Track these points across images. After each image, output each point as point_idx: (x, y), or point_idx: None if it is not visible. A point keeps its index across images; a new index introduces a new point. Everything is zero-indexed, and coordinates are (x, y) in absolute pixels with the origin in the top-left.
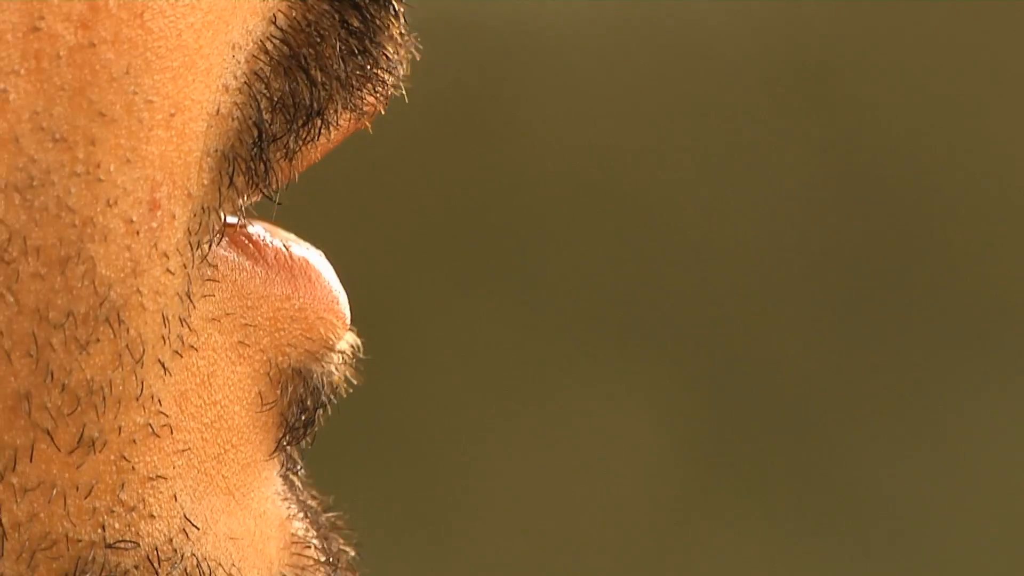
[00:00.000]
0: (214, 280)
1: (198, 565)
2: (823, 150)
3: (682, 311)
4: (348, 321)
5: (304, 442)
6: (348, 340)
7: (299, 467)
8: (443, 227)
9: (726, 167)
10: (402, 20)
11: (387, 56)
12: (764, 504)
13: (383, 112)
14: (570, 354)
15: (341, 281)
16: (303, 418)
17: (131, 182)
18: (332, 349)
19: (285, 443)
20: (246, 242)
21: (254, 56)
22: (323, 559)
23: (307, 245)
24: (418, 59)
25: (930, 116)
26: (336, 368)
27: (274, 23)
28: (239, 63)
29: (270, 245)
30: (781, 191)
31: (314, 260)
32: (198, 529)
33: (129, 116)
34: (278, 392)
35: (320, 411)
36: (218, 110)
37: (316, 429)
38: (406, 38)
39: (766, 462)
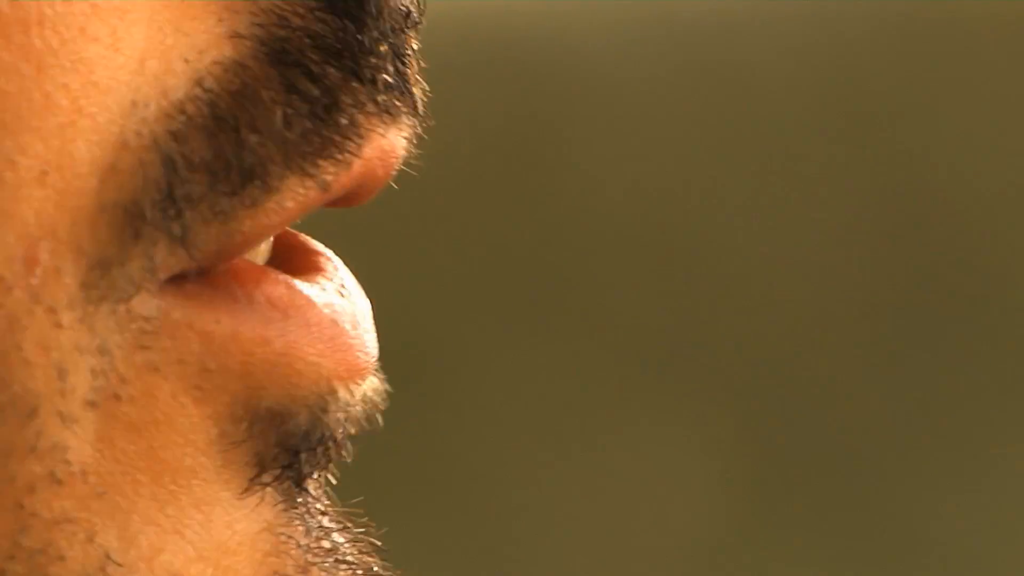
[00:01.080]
0: (155, 332)
1: None
2: (875, 191)
3: (731, 349)
4: (362, 368)
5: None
6: (365, 386)
7: (313, 502)
8: (491, 265)
9: (776, 207)
10: (389, 94)
11: (354, 125)
12: (812, 543)
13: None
14: (618, 392)
15: (385, 319)
16: (283, 459)
17: None
18: (327, 396)
19: (265, 482)
20: (229, 289)
21: (168, 116)
22: None
23: (339, 285)
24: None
25: (985, 161)
26: (338, 414)
27: (200, 85)
28: (145, 120)
29: (268, 288)
30: (832, 232)
31: (322, 303)
32: (123, 567)
33: None
34: (245, 430)
35: (306, 454)
36: (115, 166)
37: (317, 467)
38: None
39: (815, 501)
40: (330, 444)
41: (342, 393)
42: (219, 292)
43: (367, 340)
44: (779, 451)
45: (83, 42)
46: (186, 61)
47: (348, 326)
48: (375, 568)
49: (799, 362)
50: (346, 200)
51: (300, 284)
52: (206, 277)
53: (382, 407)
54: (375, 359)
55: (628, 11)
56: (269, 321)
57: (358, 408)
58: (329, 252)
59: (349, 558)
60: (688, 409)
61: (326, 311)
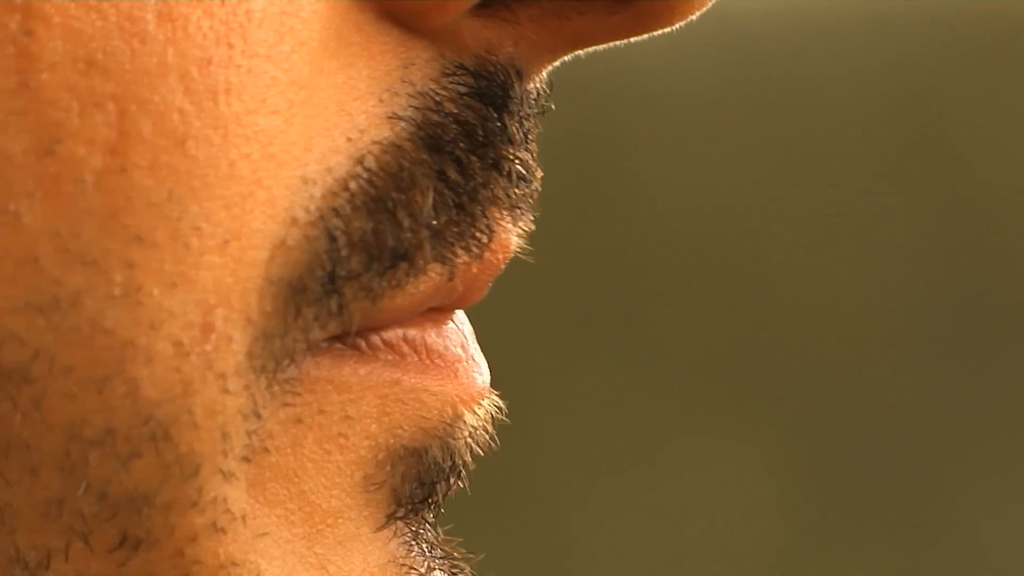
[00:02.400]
0: (295, 392)
1: None
2: (936, 213)
3: (790, 366)
4: (480, 390)
5: (431, 511)
6: (484, 407)
7: (428, 532)
8: (554, 281)
9: (838, 227)
10: (517, 184)
11: (487, 217)
12: (873, 561)
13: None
14: (680, 409)
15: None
16: (420, 493)
17: (179, 305)
18: (454, 423)
19: (398, 517)
20: (352, 342)
21: (333, 193)
22: None
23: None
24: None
25: None
26: (466, 438)
27: (361, 163)
28: (312, 197)
29: (381, 334)
30: (892, 250)
31: (433, 338)
32: None
33: (174, 242)
34: (387, 472)
35: (442, 484)
36: (284, 241)
37: (441, 498)
38: (518, 200)
39: (876, 518)
40: (460, 469)
41: (468, 417)
42: (348, 347)
43: (481, 362)
44: (839, 467)
45: (264, 113)
46: (349, 139)
47: (461, 351)
48: None
49: (859, 379)
50: (459, 301)
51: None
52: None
53: (501, 424)
54: (488, 378)
55: (689, 28)
56: (395, 363)
57: (481, 430)
58: None
59: None
60: (747, 424)
61: (439, 341)
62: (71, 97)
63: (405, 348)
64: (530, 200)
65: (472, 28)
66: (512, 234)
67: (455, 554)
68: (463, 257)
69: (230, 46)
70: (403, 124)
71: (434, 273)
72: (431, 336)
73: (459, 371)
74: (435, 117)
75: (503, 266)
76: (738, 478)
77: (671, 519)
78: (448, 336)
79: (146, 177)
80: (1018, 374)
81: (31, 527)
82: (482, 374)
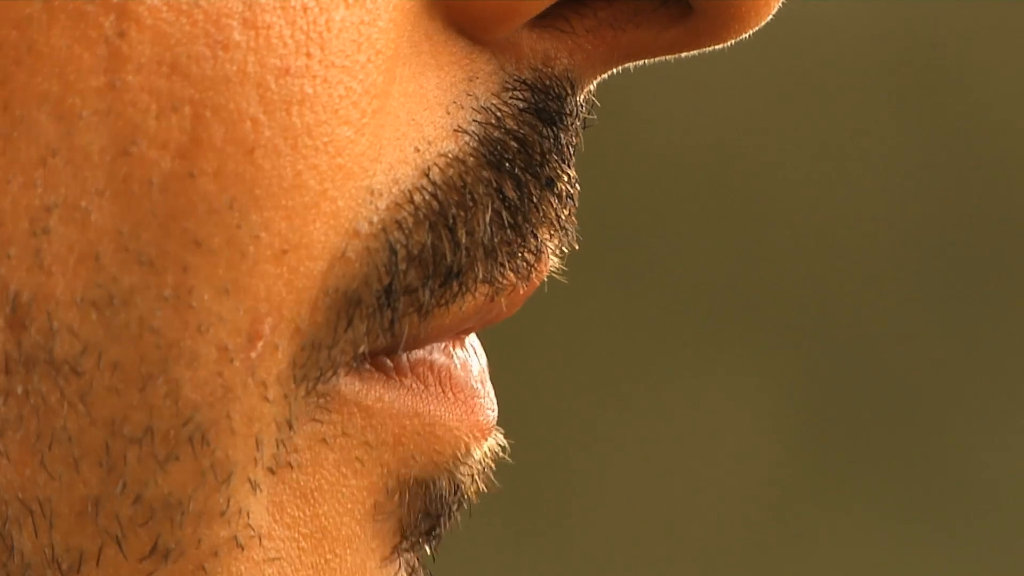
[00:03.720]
0: (327, 408)
1: None
2: (936, 140)
3: (793, 300)
4: (490, 426)
5: (432, 544)
6: (487, 446)
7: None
8: None
9: (838, 157)
10: (565, 204)
11: (536, 238)
12: (875, 493)
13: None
14: (681, 344)
15: None
16: (425, 524)
17: (228, 311)
18: (464, 458)
19: (402, 549)
20: (380, 361)
21: (398, 205)
22: None
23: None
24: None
25: None
26: (470, 474)
27: (427, 175)
28: (377, 209)
29: (408, 357)
30: (895, 182)
31: (460, 363)
32: None
33: (230, 248)
34: (396, 502)
35: (446, 517)
36: (344, 253)
37: (444, 531)
38: (566, 222)
39: (877, 451)
40: (463, 502)
41: (476, 452)
42: (378, 368)
43: (492, 397)
44: (838, 396)
45: (335, 124)
46: (416, 150)
47: (479, 385)
48: None
49: (858, 306)
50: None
51: (440, 344)
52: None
53: (503, 461)
54: (496, 414)
55: None
56: (416, 393)
57: (485, 464)
58: None
59: None
60: (746, 354)
61: (462, 374)
62: (151, 100)
63: (430, 378)
64: (573, 219)
65: (530, 39)
66: (552, 252)
67: None
68: (511, 277)
69: (308, 56)
70: (467, 138)
71: (481, 294)
72: (455, 368)
73: (475, 407)
74: (496, 133)
75: (538, 284)
76: (736, 407)
77: (669, 448)
78: (470, 369)
79: (211, 183)
80: (1019, 302)
81: (68, 526)
82: (493, 410)
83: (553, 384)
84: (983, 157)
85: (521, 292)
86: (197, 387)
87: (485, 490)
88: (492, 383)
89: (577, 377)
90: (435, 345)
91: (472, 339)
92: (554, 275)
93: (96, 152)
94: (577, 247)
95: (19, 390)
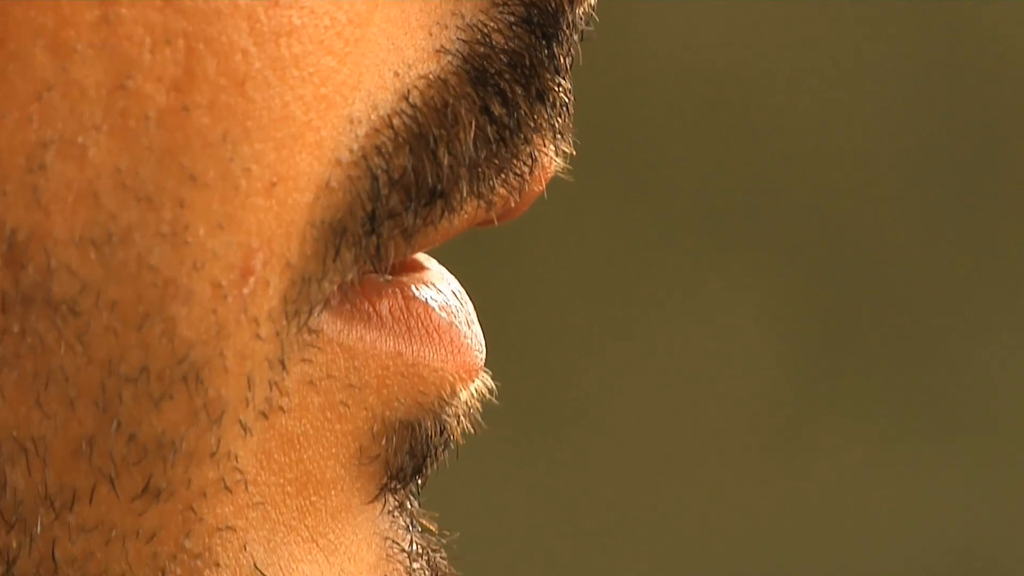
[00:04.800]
0: (315, 346)
1: None
2: (937, 49)
3: (795, 212)
4: (477, 367)
5: (418, 484)
6: (475, 387)
7: (412, 504)
8: None
9: (840, 67)
10: (560, 112)
11: (529, 147)
12: (876, 397)
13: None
14: (682, 257)
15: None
16: (411, 466)
17: (222, 247)
18: (448, 401)
19: (389, 489)
20: (360, 304)
21: (376, 131)
22: None
23: (445, 283)
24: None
25: None
26: (457, 415)
27: (407, 99)
28: (357, 137)
29: (388, 301)
30: (896, 91)
31: (439, 307)
32: None
33: (224, 182)
34: (382, 445)
35: (432, 458)
36: (328, 183)
37: (430, 472)
38: (562, 128)
39: (879, 362)
40: (449, 443)
41: (462, 393)
42: (356, 309)
43: (480, 338)
44: (838, 306)
45: (320, 54)
46: (396, 74)
47: (464, 326)
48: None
49: (859, 222)
50: (496, 220)
51: (418, 290)
52: (344, 294)
53: (490, 402)
54: (484, 356)
55: None
56: (398, 334)
57: (472, 405)
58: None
59: (434, 563)
60: (746, 269)
61: (443, 315)
62: (145, 33)
63: (412, 321)
64: (570, 125)
65: None
66: (553, 156)
67: (425, 524)
68: (502, 191)
69: None
70: (450, 58)
71: (470, 208)
72: (436, 311)
73: (461, 348)
74: (482, 49)
75: (543, 189)
76: (738, 320)
77: (671, 361)
78: (453, 312)
79: (204, 116)
80: (1021, 212)
81: (62, 464)
82: (480, 351)
83: (554, 298)
84: (984, 68)
85: (513, 205)
86: (192, 325)
87: (472, 431)
88: (491, 298)
89: (578, 291)
90: (415, 289)
91: (455, 285)
92: (559, 188)
93: (92, 86)
94: (577, 161)
95: (15, 329)
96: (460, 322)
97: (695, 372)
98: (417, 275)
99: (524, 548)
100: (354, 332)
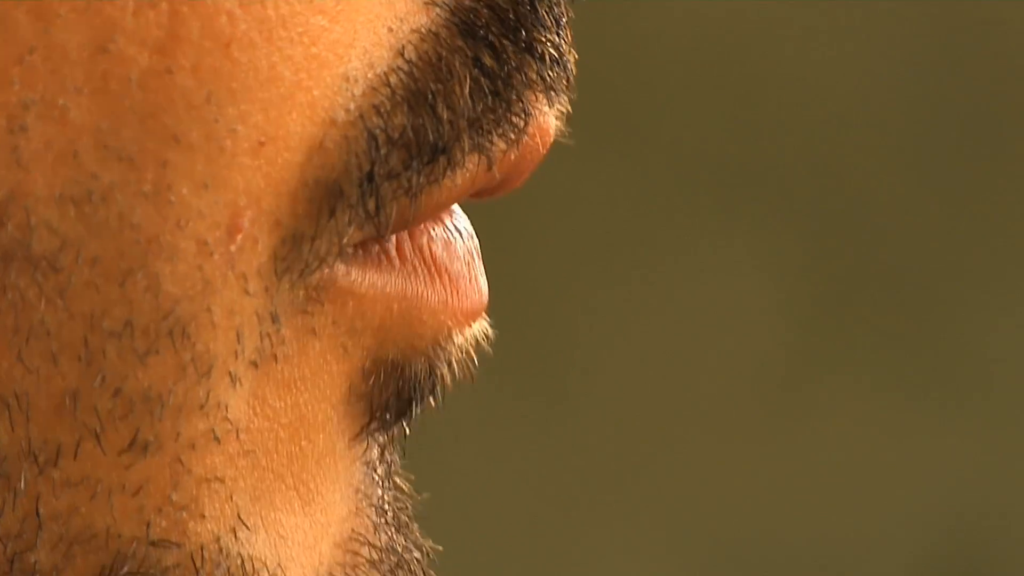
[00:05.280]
0: (319, 301)
1: (242, 565)
2: (943, 14)
3: (798, 174)
4: (476, 310)
5: (395, 430)
6: (473, 332)
7: (391, 455)
8: None
9: (846, 32)
10: (551, 67)
11: (522, 101)
12: (874, 359)
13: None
14: (685, 218)
15: None
16: (396, 406)
17: (208, 205)
18: (445, 344)
19: (371, 430)
20: (371, 247)
21: (373, 89)
22: (377, 558)
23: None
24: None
25: None
26: (449, 360)
27: (402, 55)
28: (353, 96)
29: (399, 240)
30: (896, 53)
31: (441, 252)
32: (248, 529)
33: (208, 143)
34: (370, 384)
35: (418, 401)
36: (322, 143)
37: (414, 415)
38: (554, 82)
39: (876, 320)
40: (438, 387)
41: (457, 338)
42: (369, 254)
43: (481, 282)
44: (839, 272)
45: (310, 14)
46: (390, 30)
47: (466, 268)
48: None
49: (862, 182)
50: (500, 186)
51: (423, 224)
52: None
53: (487, 348)
54: (486, 299)
55: None
56: (406, 276)
57: (467, 350)
58: None
59: (401, 520)
60: (747, 230)
61: (445, 253)
62: None
63: (418, 263)
64: (565, 82)
65: None
66: (551, 116)
67: (397, 482)
68: (500, 145)
69: None
70: (438, 10)
71: (472, 164)
72: (440, 252)
73: (460, 291)
74: (467, 2)
75: (545, 151)
76: (741, 281)
77: (670, 319)
78: (456, 252)
79: (188, 78)
80: (1020, 175)
81: (45, 419)
82: (480, 295)
83: (555, 253)
84: (989, 34)
85: (513, 158)
86: (177, 281)
87: (467, 376)
88: (492, 252)
89: (579, 246)
90: (427, 228)
91: (463, 222)
92: (559, 149)
93: (74, 49)
94: (579, 117)
95: None
96: (463, 263)
97: (696, 327)
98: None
99: (519, 501)
100: (367, 279)
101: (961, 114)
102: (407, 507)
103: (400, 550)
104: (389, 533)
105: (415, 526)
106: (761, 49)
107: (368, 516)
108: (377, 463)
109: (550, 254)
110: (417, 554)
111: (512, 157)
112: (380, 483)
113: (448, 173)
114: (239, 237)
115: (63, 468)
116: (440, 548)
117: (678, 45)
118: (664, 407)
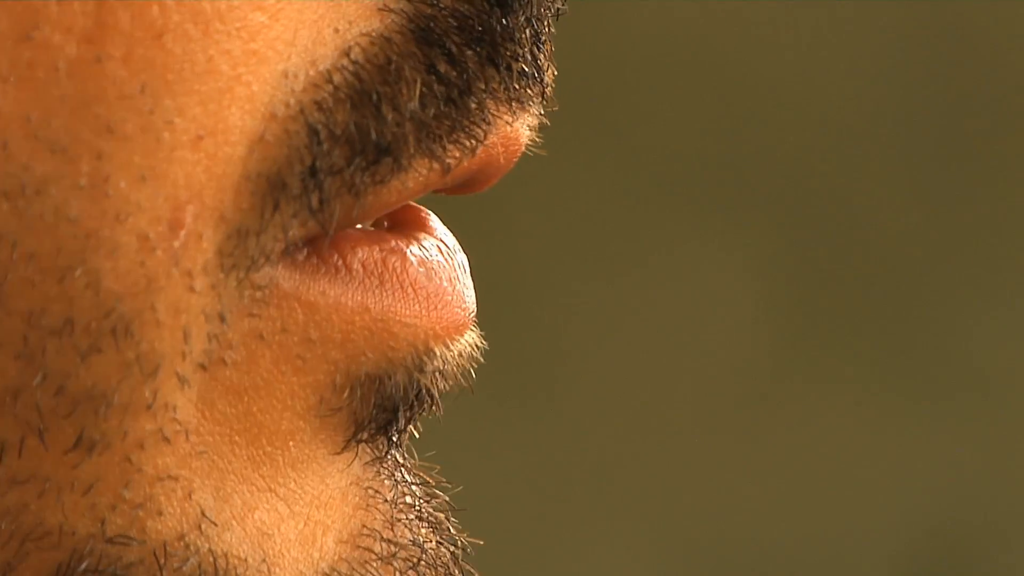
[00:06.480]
0: (265, 302)
1: (214, 561)
2: (928, 13)
3: (780, 174)
4: (459, 324)
5: (396, 434)
6: (462, 342)
7: (396, 456)
8: None
9: (829, 28)
10: (520, 80)
11: (483, 111)
12: (856, 359)
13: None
14: (660, 217)
15: None
16: (382, 417)
17: (147, 199)
18: (425, 355)
19: (361, 439)
20: (329, 257)
21: (315, 85)
22: (392, 553)
23: (435, 238)
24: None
25: None
26: (436, 371)
27: (348, 55)
28: (293, 91)
29: (363, 253)
30: (875, 51)
31: (417, 261)
32: (217, 526)
33: (145, 135)
34: (344, 397)
35: (405, 409)
36: (262, 136)
37: (405, 423)
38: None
39: (857, 317)
40: (426, 399)
41: (439, 351)
42: (323, 262)
43: (465, 296)
44: (822, 268)
45: (248, 9)
46: (336, 31)
47: (446, 283)
48: (447, 525)
49: (844, 181)
50: (465, 187)
51: (396, 243)
52: (311, 246)
53: (479, 360)
54: (473, 313)
55: None
56: (367, 288)
57: (455, 363)
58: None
59: (426, 515)
60: (731, 228)
61: (421, 270)
62: None
63: (385, 274)
64: (539, 96)
65: None
66: (518, 126)
67: (426, 479)
68: (454, 152)
69: None
70: (394, 16)
71: (423, 168)
72: (412, 266)
73: (439, 303)
74: (428, 10)
75: (513, 161)
76: (722, 281)
77: (650, 324)
78: (432, 266)
79: (120, 68)
80: (1002, 169)
81: None
82: (465, 308)
83: (536, 257)
84: (975, 34)
85: (469, 166)
86: (118, 278)
87: (462, 385)
88: (472, 258)
89: (559, 250)
90: (396, 243)
91: (446, 236)
92: (540, 149)
93: None
94: (558, 120)
95: None
96: (442, 278)
97: (679, 328)
98: (407, 229)
99: (504, 504)
100: (316, 286)
101: (944, 113)
102: (436, 502)
103: (426, 545)
104: (412, 528)
105: (451, 522)
106: (742, 51)
107: (381, 511)
108: (381, 462)
109: (532, 255)
110: (452, 549)
111: (468, 165)
112: (393, 478)
113: (396, 175)
114: (182, 233)
115: (8, 465)
116: (480, 542)
117: (660, 47)
118: (647, 407)
